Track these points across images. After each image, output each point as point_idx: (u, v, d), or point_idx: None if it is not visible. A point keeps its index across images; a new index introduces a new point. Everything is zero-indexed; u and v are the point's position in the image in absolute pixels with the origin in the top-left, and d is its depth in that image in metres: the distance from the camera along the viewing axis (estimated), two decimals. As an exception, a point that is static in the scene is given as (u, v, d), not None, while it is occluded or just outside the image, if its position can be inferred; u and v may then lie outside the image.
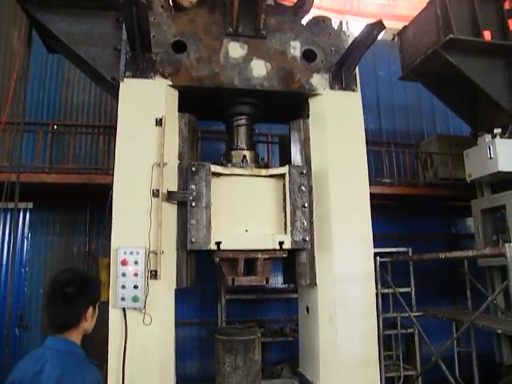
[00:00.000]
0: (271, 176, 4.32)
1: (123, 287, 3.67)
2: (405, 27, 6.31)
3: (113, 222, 3.92)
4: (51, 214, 7.10)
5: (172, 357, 3.91)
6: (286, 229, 4.15)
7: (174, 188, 4.02)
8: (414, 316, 5.68)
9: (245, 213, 4.20)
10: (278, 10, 4.79)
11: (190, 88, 4.31)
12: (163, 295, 3.84)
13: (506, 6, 5.72)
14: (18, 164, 4.83)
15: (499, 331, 4.91)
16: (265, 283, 4.26)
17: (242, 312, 6.88)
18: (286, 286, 6.80)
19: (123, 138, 4.05)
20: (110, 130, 7.38)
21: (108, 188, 6.01)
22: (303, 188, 4.19)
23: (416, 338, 6.43)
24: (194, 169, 4.00)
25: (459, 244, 8.24)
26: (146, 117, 4.07)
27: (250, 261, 4.19)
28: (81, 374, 1.97)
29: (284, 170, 4.24)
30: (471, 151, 5.90)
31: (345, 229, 4.21)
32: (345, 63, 4.53)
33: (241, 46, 4.48)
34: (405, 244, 7.15)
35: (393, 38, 8.97)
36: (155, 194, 3.88)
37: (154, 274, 3.76)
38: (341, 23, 8.18)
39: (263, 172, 4.30)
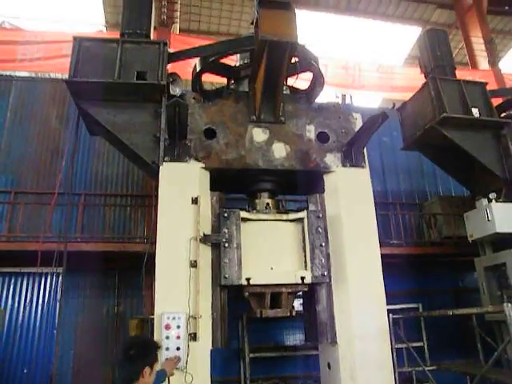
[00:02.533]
0: (291, 220, 4.93)
1: (167, 349, 4.10)
2: (404, 104, 7.09)
3: (156, 290, 4.40)
4: (82, 278, 7.56)
5: (209, 413, 4.27)
6: (306, 265, 4.73)
7: (209, 260, 4.57)
8: (429, 370, 5.98)
9: (269, 252, 4.78)
10: (293, 98, 5.58)
11: (220, 169, 4.98)
12: (201, 355, 4.28)
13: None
14: (66, 235, 5.46)
15: (511, 384, 5.24)
16: (289, 315, 4.76)
17: (262, 369, 7.16)
18: (304, 343, 7.14)
19: (164, 214, 4.66)
20: (137, 199, 8.07)
21: (135, 254, 6.61)
22: (320, 230, 4.82)
23: (432, 393, 6.67)
24: (225, 215, 4.64)
25: (467, 297, 8.56)
26: (183, 196, 4.70)
27: (274, 296, 4.70)
28: None
29: (303, 214, 4.89)
30: (471, 214, 6.47)
31: (360, 292, 4.71)
32: (354, 144, 5.22)
33: (263, 131, 5.21)
34: (415, 300, 7.56)
35: (392, 107, 9.83)
36: (193, 264, 4.42)
37: (193, 337, 4.22)
38: (343, 96, 9.12)
39: (284, 217, 4.94)
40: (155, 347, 2.99)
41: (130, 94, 5.14)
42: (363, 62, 10.57)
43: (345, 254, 4.83)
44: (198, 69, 5.66)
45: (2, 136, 8.14)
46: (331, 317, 4.75)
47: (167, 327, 4.16)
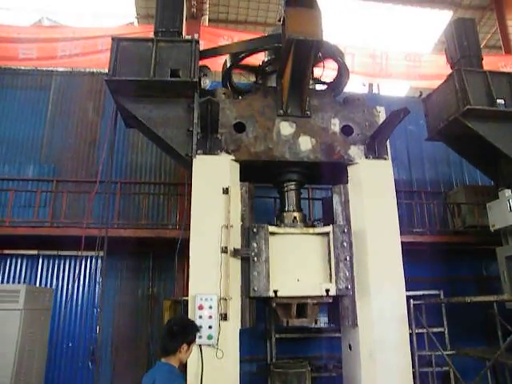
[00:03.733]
0: (318, 234, 5.14)
1: (200, 327, 4.45)
2: (429, 95, 7.17)
3: (190, 273, 4.79)
4: (119, 261, 8.09)
5: (238, 385, 4.65)
6: (331, 278, 4.92)
7: (238, 245, 4.89)
8: (448, 355, 6.20)
9: (296, 264, 4.99)
10: (319, 93, 5.81)
11: (249, 161, 5.28)
12: (231, 334, 4.65)
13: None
14: (107, 222, 5.94)
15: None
16: (313, 325, 5.02)
17: (288, 349, 7.52)
18: (329, 325, 7.46)
19: (197, 203, 5.01)
20: (169, 188, 8.50)
21: (168, 239, 7.06)
22: (345, 244, 4.99)
23: (451, 376, 6.90)
24: (255, 230, 4.89)
25: (490, 286, 8.66)
26: (215, 186, 5.03)
27: (300, 306, 4.94)
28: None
29: (328, 228, 5.07)
30: (493, 204, 6.58)
31: (381, 279, 4.96)
32: (377, 137, 5.42)
33: (290, 124, 5.47)
34: (438, 286, 7.72)
35: (419, 95, 9.86)
36: (224, 250, 4.78)
37: (224, 317, 4.60)
38: (370, 85, 9.22)
39: (311, 230, 5.15)
40: (196, 329, 3.31)
41: (164, 90, 5.47)
42: (391, 51, 10.56)
43: (366, 243, 5.07)
44: (228, 65, 5.97)
45: (44, 127, 8.70)
46: (353, 301, 5.02)
47: (200, 307, 4.55)
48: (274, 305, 4.89)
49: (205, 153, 5.20)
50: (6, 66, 9.17)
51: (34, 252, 7.98)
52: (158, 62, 5.49)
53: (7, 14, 12.20)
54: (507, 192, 6.31)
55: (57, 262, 8.03)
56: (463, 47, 6.82)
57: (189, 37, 5.80)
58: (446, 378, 7.09)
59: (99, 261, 8.06)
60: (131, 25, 12.34)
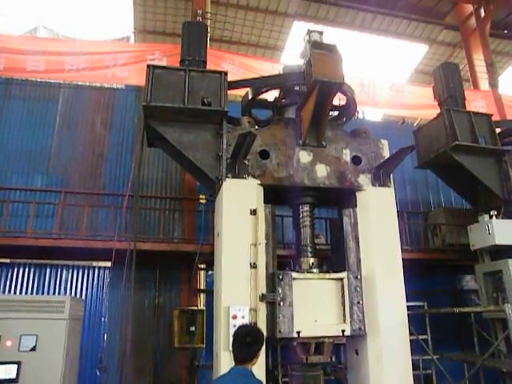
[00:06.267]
0: (333, 279, 5.70)
1: (235, 335, 5.00)
2: (420, 128, 8.10)
3: (222, 287, 5.31)
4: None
5: (264, 391, 5.19)
6: (345, 320, 5.50)
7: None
8: (431, 359, 7.02)
9: (314, 306, 5.53)
10: (332, 126, 6.49)
11: (272, 186, 5.89)
12: (260, 341, 5.19)
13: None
14: (135, 236, 6.36)
15: (504, 369, 6.39)
16: (329, 360, 5.62)
17: (285, 356, 8.13)
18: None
19: (227, 223, 5.56)
20: (176, 202, 8.93)
21: (174, 252, 7.50)
22: (358, 289, 5.62)
23: (434, 378, 7.74)
24: (280, 276, 5.40)
25: (462, 298, 9.66)
26: (244, 208, 5.60)
27: (317, 344, 5.47)
28: None
29: (343, 275, 5.68)
30: (474, 227, 7.53)
31: (385, 291, 5.70)
32: (383, 168, 6.18)
33: (308, 153, 6.13)
34: (419, 299, 8.58)
35: (402, 122, 10.84)
36: (252, 266, 5.35)
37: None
38: (357, 112, 10.14)
39: (327, 276, 5.72)
40: (263, 335, 3.58)
41: (195, 116, 6.00)
42: (377, 80, 11.55)
43: (374, 259, 5.80)
44: (250, 97, 6.58)
45: (52, 139, 8.91)
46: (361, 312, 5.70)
47: (234, 317, 5.07)
48: (295, 343, 5.37)
49: (234, 176, 5.75)
50: (13, 76, 9.32)
51: (43, 261, 8.17)
52: (191, 91, 5.99)
53: (2, 20, 12.22)
54: (486, 217, 7.25)
55: (65, 271, 8.26)
56: (449, 88, 7.78)
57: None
58: (428, 380, 7.91)
59: (107, 271, 8.40)
60: (126, 42, 12.64)
